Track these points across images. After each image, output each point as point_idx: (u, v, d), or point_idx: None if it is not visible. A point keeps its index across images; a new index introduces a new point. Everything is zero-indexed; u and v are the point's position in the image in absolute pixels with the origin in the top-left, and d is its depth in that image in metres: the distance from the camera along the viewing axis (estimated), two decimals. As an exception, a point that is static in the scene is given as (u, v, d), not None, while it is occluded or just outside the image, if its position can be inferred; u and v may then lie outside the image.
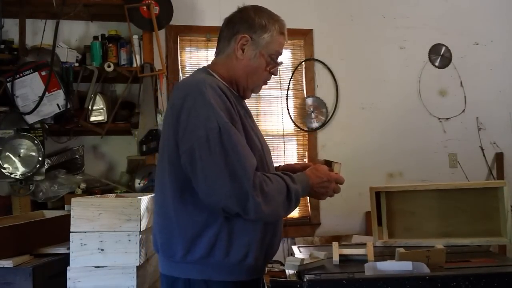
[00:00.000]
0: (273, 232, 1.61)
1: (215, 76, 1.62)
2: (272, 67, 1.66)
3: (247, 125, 1.56)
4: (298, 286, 1.51)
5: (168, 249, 1.54)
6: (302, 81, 4.02)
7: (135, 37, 3.36)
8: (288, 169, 1.73)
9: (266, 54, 1.62)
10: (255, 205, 1.41)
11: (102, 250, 2.09)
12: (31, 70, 3.06)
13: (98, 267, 2.09)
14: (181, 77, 3.76)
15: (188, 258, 1.50)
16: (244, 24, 1.62)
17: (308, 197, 3.92)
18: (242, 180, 1.40)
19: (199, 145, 1.43)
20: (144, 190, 3.15)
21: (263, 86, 1.74)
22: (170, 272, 1.56)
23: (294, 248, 2.17)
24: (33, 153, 3.04)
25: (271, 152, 1.76)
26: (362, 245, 1.95)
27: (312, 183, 1.60)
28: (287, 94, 3.93)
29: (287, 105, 3.94)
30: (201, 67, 1.72)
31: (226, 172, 1.41)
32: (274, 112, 3.94)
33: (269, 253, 1.62)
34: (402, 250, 1.59)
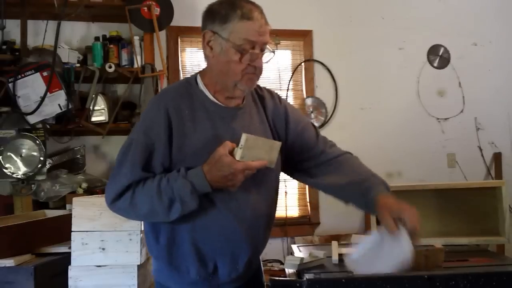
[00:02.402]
0: (223, 241, 1.52)
1: (199, 83, 1.57)
2: (242, 57, 1.47)
3: (198, 146, 1.49)
4: (297, 285, 1.51)
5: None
6: (302, 82, 4.03)
7: (136, 38, 3.37)
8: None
9: (232, 45, 1.46)
10: (117, 212, 1.55)
11: (103, 249, 2.10)
12: (32, 70, 3.06)
13: (99, 266, 2.10)
14: (181, 77, 3.77)
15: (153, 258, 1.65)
16: (207, 19, 1.52)
17: (307, 198, 3.95)
18: (106, 194, 1.52)
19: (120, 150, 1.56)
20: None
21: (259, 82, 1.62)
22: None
23: (294, 247, 2.18)
24: (35, 153, 3.05)
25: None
26: (362, 244, 1.97)
27: (211, 179, 1.42)
28: (286, 95, 3.95)
29: (287, 106, 3.95)
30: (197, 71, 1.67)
31: (110, 181, 1.53)
32: (274, 112, 3.95)
33: (221, 268, 1.54)
34: (400, 249, 1.60)
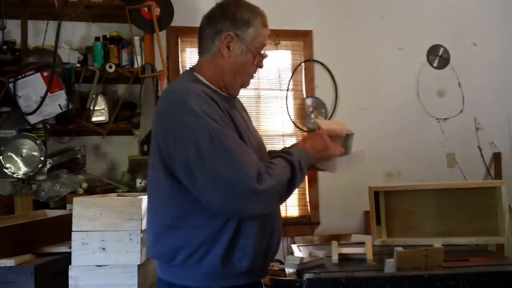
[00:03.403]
0: (269, 235, 1.58)
1: (201, 79, 1.59)
2: (259, 60, 1.63)
3: (239, 126, 1.54)
4: (297, 284, 1.52)
5: (166, 254, 1.52)
6: (302, 82, 4.04)
7: (136, 38, 3.38)
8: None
9: (252, 48, 1.59)
10: (264, 195, 1.41)
11: (103, 249, 2.11)
12: (33, 70, 3.07)
13: (99, 266, 2.10)
14: (181, 77, 3.78)
15: (187, 264, 1.49)
16: (226, 21, 1.58)
17: (307, 198, 3.96)
18: (244, 179, 1.38)
19: (193, 155, 1.39)
20: (145, 190, 3.16)
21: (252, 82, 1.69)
22: (167, 277, 1.55)
23: (294, 247, 2.19)
24: (35, 153, 3.05)
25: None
26: (361, 244, 1.98)
27: (312, 151, 1.60)
28: (286, 95, 3.96)
29: (287, 106, 3.96)
30: (187, 69, 1.68)
31: (226, 177, 1.38)
32: (274, 112, 3.96)
33: (267, 256, 1.60)
34: (400, 249, 1.61)
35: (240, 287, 1.54)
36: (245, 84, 1.66)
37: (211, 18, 1.61)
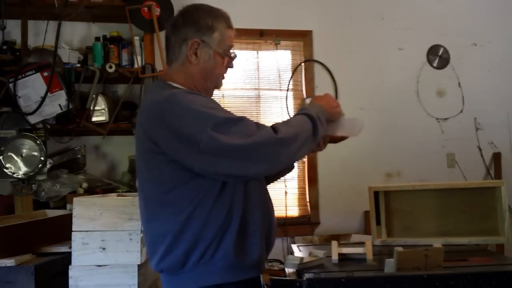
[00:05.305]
0: (269, 224, 1.58)
1: (176, 86, 1.58)
2: (228, 61, 1.65)
3: None
4: (297, 284, 1.53)
5: (177, 262, 1.49)
6: (302, 82, 4.04)
7: (137, 38, 3.38)
8: None
9: (220, 52, 1.60)
10: (286, 141, 1.47)
11: (103, 249, 2.11)
12: (33, 70, 3.07)
13: (99, 265, 2.10)
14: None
15: (201, 263, 1.47)
16: (190, 28, 1.59)
17: (307, 198, 3.96)
18: (262, 138, 1.45)
19: (206, 145, 1.41)
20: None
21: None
22: (179, 285, 1.52)
23: (294, 247, 2.20)
24: (35, 153, 3.05)
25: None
26: (361, 244, 1.98)
27: (325, 104, 1.72)
28: (286, 95, 3.96)
29: (287, 106, 3.96)
30: (158, 80, 1.68)
31: (245, 145, 1.43)
32: (274, 112, 3.95)
33: (269, 246, 1.60)
34: (400, 249, 1.61)
35: (251, 280, 1.54)
36: (218, 86, 1.68)
37: (175, 26, 1.62)
